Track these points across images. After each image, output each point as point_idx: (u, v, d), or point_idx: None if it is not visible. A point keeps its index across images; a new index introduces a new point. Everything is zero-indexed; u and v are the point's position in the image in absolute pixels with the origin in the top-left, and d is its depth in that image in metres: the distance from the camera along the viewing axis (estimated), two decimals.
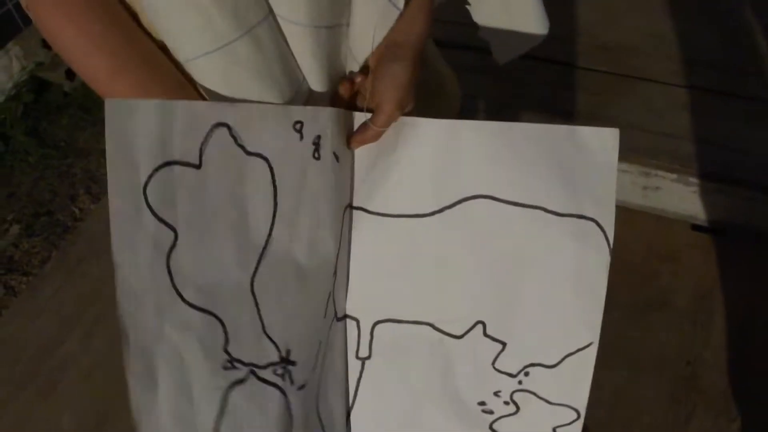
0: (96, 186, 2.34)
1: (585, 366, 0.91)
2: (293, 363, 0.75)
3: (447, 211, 0.82)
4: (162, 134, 0.65)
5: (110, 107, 0.63)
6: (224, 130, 0.68)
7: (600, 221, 0.83)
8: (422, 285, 0.85)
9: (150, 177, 0.65)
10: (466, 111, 2.01)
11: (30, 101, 2.51)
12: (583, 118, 1.94)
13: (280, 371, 0.75)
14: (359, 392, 0.91)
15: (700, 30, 2.13)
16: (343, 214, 0.81)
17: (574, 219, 0.81)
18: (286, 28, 0.76)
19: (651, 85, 2.00)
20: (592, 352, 0.90)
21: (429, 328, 0.88)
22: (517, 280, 0.85)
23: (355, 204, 0.83)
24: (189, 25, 0.71)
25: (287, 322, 0.75)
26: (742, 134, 1.87)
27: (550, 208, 0.81)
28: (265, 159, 0.71)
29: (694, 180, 1.81)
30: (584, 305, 0.86)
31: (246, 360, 0.72)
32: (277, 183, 0.72)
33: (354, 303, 0.86)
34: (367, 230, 0.84)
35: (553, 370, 0.90)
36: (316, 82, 0.79)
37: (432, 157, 0.81)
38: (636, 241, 1.90)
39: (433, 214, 0.82)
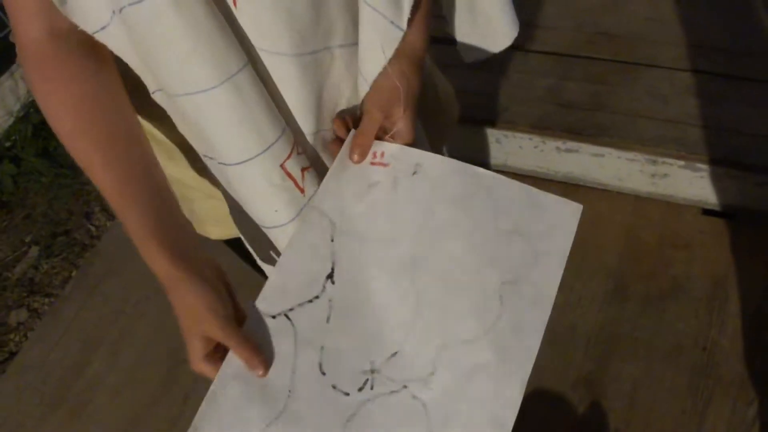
0: None
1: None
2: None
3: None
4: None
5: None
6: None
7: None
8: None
9: None
10: (468, 109, 2.01)
11: (39, 122, 2.53)
12: (588, 108, 1.94)
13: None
14: None
15: (704, 13, 2.10)
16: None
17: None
18: (271, 61, 0.78)
19: (656, 72, 1.99)
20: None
21: None
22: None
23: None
24: (172, 68, 0.74)
25: None
26: (751, 118, 1.85)
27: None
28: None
29: (702, 166, 1.81)
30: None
31: None
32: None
33: None
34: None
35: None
36: (305, 111, 0.82)
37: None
38: (647, 230, 1.90)
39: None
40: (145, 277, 2.07)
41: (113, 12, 0.71)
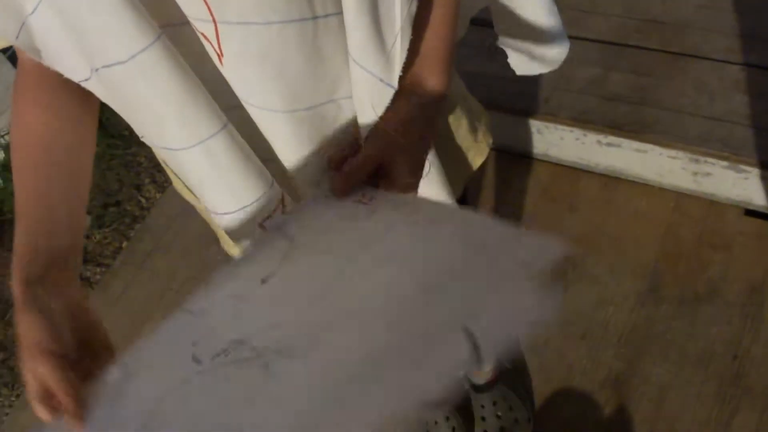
0: (160, 175, 2.43)
1: None
2: None
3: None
4: None
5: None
6: None
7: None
8: None
9: None
10: (509, 98, 1.98)
11: None
12: (632, 101, 1.90)
13: None
14: None
15: (759, 1, 2.01)
16: None
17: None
18: (261, 116, 0.77)
19: (704, 64, 1.92)
20: None
21: None
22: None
23: None
24: (148, 125, 0.74)
25: None
26: None
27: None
28: None
29: (747, 168, 1.76)
30: None
31: None
32: None
33: None
34: None
35: None
36: (305, 163, 0.81)
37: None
38: (686, 228, 1.87)
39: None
40: (191, 255, 2.17)
41: (92, 69, 0.71)
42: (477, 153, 1.12)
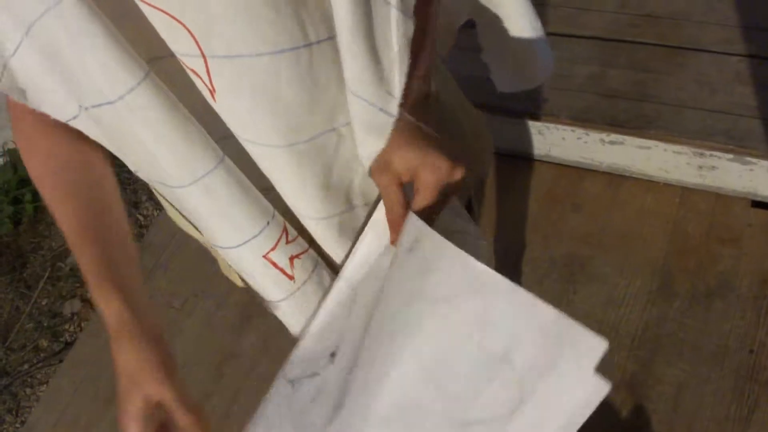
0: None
1: None
2: None
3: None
4: None
5: None
6: None
7: None
8: None
9: None
10: (508, 100, 1.95)
11: None
12: (632, 98, 1.87)
13: None
14: None
15: None
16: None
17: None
18: (259, 152, 0.74)
19: (703, 56, 1.90)
20: None
21: None
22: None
23: None
24: (141, 162, 0.72)
25: None
26: None
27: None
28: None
29: (752, 159, 1.74)
30: None
31: None
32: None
33: None
34: None
35: None
36: (307, 198, 0.77)
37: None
38: (694, 223, 1.85)
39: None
40: (192, 272, 2.14)
41: (80, 107, 0.69)
42: (477, 166, 1.11)
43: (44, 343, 2.21)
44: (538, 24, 0.98)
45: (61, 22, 0.63)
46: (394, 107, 0.71)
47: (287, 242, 0.78)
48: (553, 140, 1.95)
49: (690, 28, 1.96)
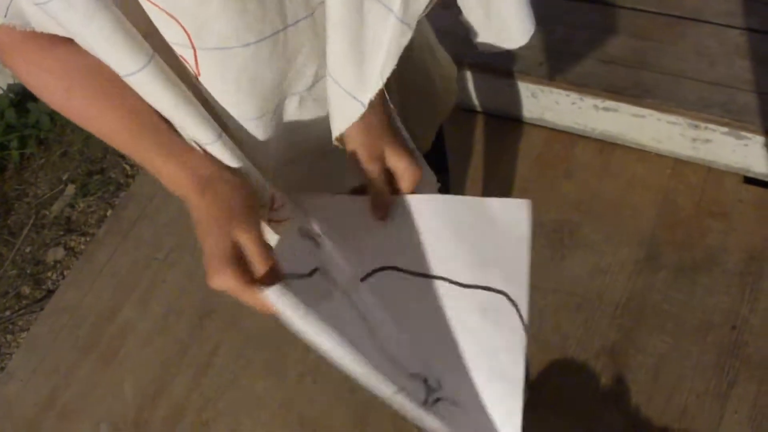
0: None
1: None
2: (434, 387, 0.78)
3: (366, 280, 0.80)
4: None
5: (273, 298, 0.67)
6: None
7: (511, 295, 0.75)
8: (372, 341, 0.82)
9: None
10: (502, 60, 1.91)
11: None
12: (630, 65, 1.84)
13: (430, 394, 0.77)
14: None
15: None
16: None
17: (481, 290, 0.75)
18: (231, 124, 0.78)
19: (704, 27, 1.87)
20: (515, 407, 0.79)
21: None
22: (438, 345, 0.79)
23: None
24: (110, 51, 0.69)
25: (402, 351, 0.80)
26: None
27: (454, 279, 0.76)
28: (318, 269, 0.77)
29: (747, 134, 1.72)
30: (498, 390, 0.78)
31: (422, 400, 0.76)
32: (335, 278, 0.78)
33: None
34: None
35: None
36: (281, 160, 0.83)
37: (351, 229, 0.81)
38: (684, 195, 1.83)
39: (361, 280, 0.80)
40: (177, 223, 2.12)
41: None
42: (445, 103, 1.10)
43: (26, 290, 2.19)
44: None
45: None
46: (366, 98, 0.74)
47: (272, 209, 0.81)
48: (546, 104, 1.93)
49: None
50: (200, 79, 0.73)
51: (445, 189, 1.25)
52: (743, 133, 1.72)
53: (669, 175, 1.87)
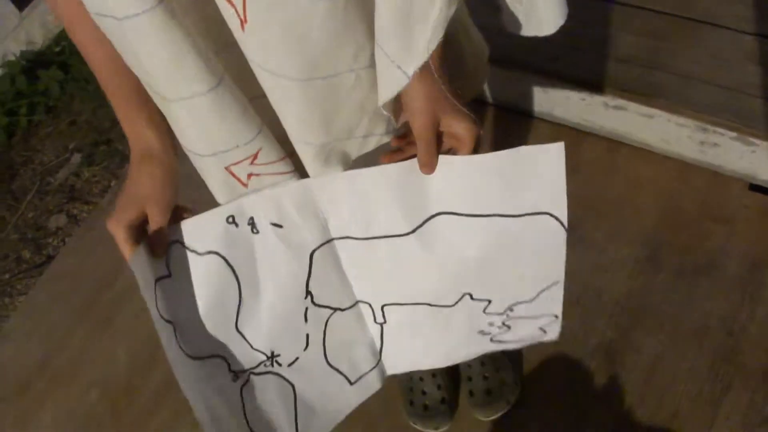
0: None
1: (557, 293, 1.08)
2: (278, 356, 1.01)
3: (419, 230, 0.93)
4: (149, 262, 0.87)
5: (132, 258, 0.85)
6: (178, 245, 0.89)
7: (555, 213, 0.91)
8: (413, 281, 1.02)
9: (155, 290, 0.88)
10: (515, 52, 1.92)
11: None
12: (642, 65, 1.84)
13: (269, 364, 1.01)
14: (384, 343, 1.12)
15: None
16: (311, 255, 0.96)
17: (530, 216, 0.91)
18: (273, 82, 0.78)
19: (720, 32, 1.86)
20: (559, 287, 1.07)
21: (426, 306, 1.05)
22: (491, 262, 0.97)
23: (341, 235, 0.97)
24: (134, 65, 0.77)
25: (268, 339, 0.99)
26: None
27: (505, 213, 0.90)
28: (217, 253, 0.90)
29: (756, 141, 1.71)
30: (548, 266, 1.01)
31: (244, 368, 0.99)
32: (232, 263, 0.92)
33: (362, 293, 1.05)
34: (356, 250, 0.99)
35: (531, 303, 1.08)
36: (307, 127, 0.84)
37: (397, 190, 0.91)
38: (689, 198, 1.83)
39: (408, 234, 0.94)
40: (179, 196, 2.11)
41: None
42: (474, 82, 1.12)
43: (27, 254, 2.20)
44: None
45: None
46: (411, 68, 0.76)
47: (251, 163, 0.86)
48: (556, 99, 1.92)
49: (708, 2, 1.92)
50: (245, 27, 0.72)
51: None
52: (752, 140, 1.71)
53: (675, 177, 1.86)
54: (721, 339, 1.64)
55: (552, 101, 1.94)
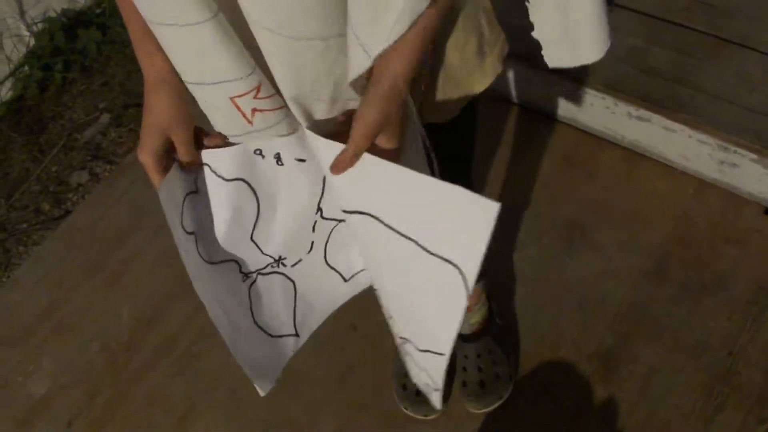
0: None
1: (440, 364, 1.00)
2: (284, 258, 1.11)
3: (348, 216, 0.94)
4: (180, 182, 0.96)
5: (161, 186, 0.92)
6: (207, 167, 0.95)
7: (463, 270, 0.83)
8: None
9: (183, 206, 0.97)
10: (542, 55, 1.92)
11: None
12: (670, 78, 1.84)
13: (275, 265, 1.11)
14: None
15: None
16: (324, 179, 1.02)
17: (441, 260, 0.85)
18: (255, 30, 0.81)
19: (748, 54, 1.86)
20: (443, 361, 0.98)
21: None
22: (395, 280, 0.98)
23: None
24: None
25: (277, 246, 1.08)
26: None
27: (421, 243, 0.86)
28: (242, 179, 0.97)
29: None
30: (439, 328, 0.94)
31: (253, 269, 1.10)
32: (254, 187, 0.99)
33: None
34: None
35: (420, 353, 1.05)
36: (284, 80, 0.85)
37: (347, 178, 0.87)
38: (702, 216, 1.82)
39: (345, 213, 0.96)
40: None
41: None
42: (480, 77, 1.08)
43: (46, 207, 2.23)
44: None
45: None
46: (374, 50, 0.75)
47: (255, 97, 0.87)
48: (581, 105, 1.93)
49: (741, 23, 1.92)
50: None
51: (464, 165, 1.35)
52: None
53: (691, 193, 1.86)
54: (720, 357, 1.63)
55: (576, 107, 1.94)
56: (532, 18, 0.98)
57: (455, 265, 0.83)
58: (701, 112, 1.78)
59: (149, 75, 0.89)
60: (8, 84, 2.51)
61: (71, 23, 2.58)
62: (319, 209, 1.07)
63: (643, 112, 1.82)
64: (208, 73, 0.84)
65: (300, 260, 1.14)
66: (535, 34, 0.99)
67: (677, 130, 1.80)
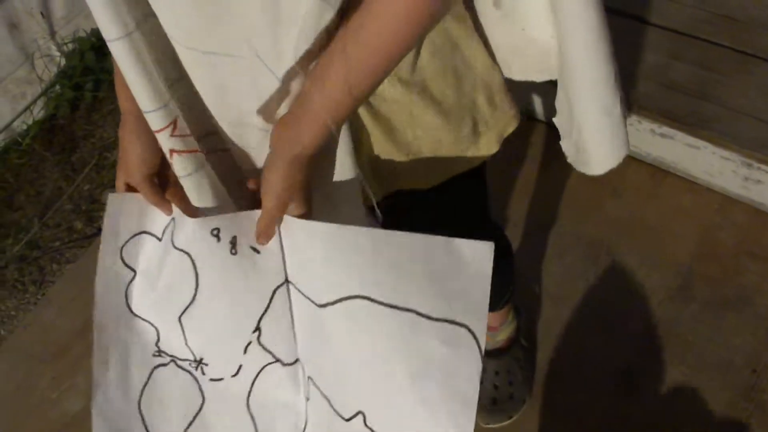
0: None
1: None
2: (205, 365, 0.98)
3: (330, 307, 0.85)
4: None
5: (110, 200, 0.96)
6: (172, 223, 0.93)
7: (472, 328, 0.80)
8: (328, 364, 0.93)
9: (126, 242, 0.97)
10: None
11: None
12: (693, 95, 1.84)
13: (193, 366, 0.99)
14: (308, 424, 1.00)
15: None
16: (274, 291, 0.91)
17: (446, 324, 0.80)
18: (173, 43, 0.80)
19: None
20: None
21: (327, 402, 0.94)
22: (393, 377, 0.84)
23: (294, 282, 0.91)
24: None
25: (202, 345, 0.97)
26: None
27: (422, 311, 0.81)
28: (188, 254, 0.91)
29: None
30: (455, 409, 0.83)
31: (169, 353, 0.99)
32: (198, 269, 0.91)
33: (303, 354, 0.96)
34: (303, 305, 0.91)
35: None
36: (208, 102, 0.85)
37: (320, 257, 0.84)
38: (727, 232, 1.82)
39: (324, 306, 0.86)
40: None
41: None
42: (474, 153, 1.05)
43: (79, 225, 2.28)
44: (614, 99, 0.91)
45: None
46: (280, 72, 0.75)
47: (172, 135, 0.84)
48: None
49: (765, 37, 1.92)
50: None
51: (480, 214, 1.28)
52: None
53: (715, 210, 1.86)
54: (744, 375, 1.63)
55: None
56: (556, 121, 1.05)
57: (463, 325, 0.80)
58: (725, 128, 1.78)
59: (131, 115, 0.89)
60: (40, 103, 2.56)
61: (101, 43, 2.62)
62: (258, 329, 0.92)
63: (666, 129, 1.83)
64: (138, 99, 0.82)
65: (221, 379, 0.98)
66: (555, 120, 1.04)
67: (700, 146, 1.80)
